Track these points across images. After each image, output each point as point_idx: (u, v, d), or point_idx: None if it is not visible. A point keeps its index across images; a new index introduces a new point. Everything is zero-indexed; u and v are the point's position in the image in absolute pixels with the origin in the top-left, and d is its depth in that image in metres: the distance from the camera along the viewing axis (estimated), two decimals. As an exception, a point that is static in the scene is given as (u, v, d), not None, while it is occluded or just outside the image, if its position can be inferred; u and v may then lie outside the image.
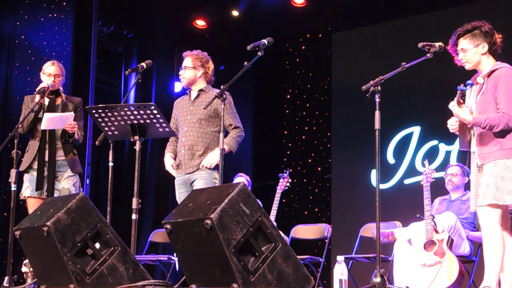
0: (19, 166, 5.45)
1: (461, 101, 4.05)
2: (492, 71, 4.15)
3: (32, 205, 5.41)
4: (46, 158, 5.46)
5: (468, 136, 4.24)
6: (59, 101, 5.62)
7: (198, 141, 5.21)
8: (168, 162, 5.36)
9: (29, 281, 5.19)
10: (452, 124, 4.26)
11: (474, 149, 4.19)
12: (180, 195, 5.25)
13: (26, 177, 5.50)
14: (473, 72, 4.33)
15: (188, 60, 5.38)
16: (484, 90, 4.15)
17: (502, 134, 4.07)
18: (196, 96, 5.36)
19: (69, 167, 5.50)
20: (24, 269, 5.37)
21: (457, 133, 4.29)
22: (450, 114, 4.22)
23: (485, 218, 4.06)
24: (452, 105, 4.07)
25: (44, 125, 5.37)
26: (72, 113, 5.45)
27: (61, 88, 5.68)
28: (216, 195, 3.62)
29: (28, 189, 5.48)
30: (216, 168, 5.13)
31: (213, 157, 5.13)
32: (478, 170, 4.14)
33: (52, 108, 5.55)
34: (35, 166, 5.46)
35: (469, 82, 4.10)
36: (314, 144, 9.42)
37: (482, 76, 4.19)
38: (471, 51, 4.20)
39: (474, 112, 4.15)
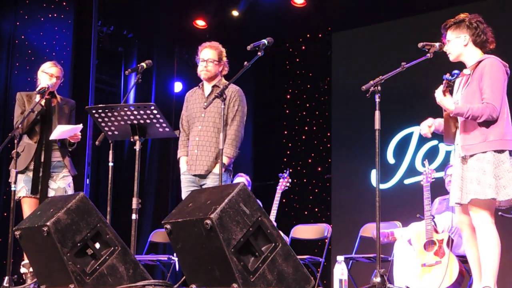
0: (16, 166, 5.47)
1: (447, 90, 4.06)
2: (479, 62, 4.16)
3: (27, 205, 5.43)
4: (42, 160, 5.46)
5: (453, 129, 4.24)
6: (55, 102, 5.62)
7: (213, 141, 5.10)
8: (183, 165, 5.24)
9: (28, 281, 5.18)
10: (422, 129, 4.31)
11: (458, 141, 4.19)
12: (187, 193, 5.02)
13: (20, 177, 5.47)
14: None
15: (213, 53, 5.23)
16: (470, 81, 4.15)
17: (486, 125, 4.05)
18: (210, 92, 5.22)
19: (67, 168, 5.52)
20: (22, 270, 5.37)
21: (429, 136, 4.33)
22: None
23: (476, 218, 4.07)
24: (437, 93, 4.09)
25: (54, 136, 5.36)
26: (81, 126, 5.44)
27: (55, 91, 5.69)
28: (216, 195, 3.62)
29: (23, 189, 5.47)
30: (226, 172, 5.07)
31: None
32: (462, 162, 4.13)
33: (49, 110, 5.55)
34: (31, 167, 5.46)
35: (455, 72, 4.09)
36: (314, 144, 9.41)
37: (469, 68, 4.20)
38: (452, 42, 4.25)
39: (460, 103, 4.16)
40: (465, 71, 4.19)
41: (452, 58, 4.30)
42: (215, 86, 5.22)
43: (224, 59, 5.28)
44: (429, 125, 4.33)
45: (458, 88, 4.27)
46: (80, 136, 5.45)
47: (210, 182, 5.07)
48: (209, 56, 5.22)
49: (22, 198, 5.48)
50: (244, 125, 5.21)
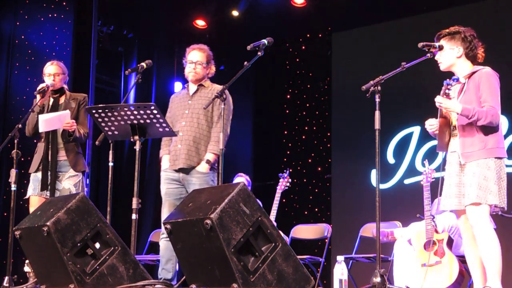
0: (24, 167, 5.48)
1: (448, 93, 4.09)
2: (473, 73, 4.22)
3: (34, 204, 5.42)
4: (49, 159, 5.46)
5: (446, 138, 4.28)
6: (62, 99, 5.62)
7: (197, 136, 5.13)
8: (165, 162, 5.25)
9: (31, 280, 5.18)
10: (431, 124, 4.32)
11: (455, 149, 4.22)
12: (168, 190, 5.13)
13: (31, 177, 5.53)
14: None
15: (201, 55, 5.27)
16: (465, 90, 4.23)
17: (486, 132, 4.12)
18: (196, 90, 5.28)
19: (70, 167, 5.49)
20: (26, 268, 5.37)
21: (435, 134, 4.33)
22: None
23: (475, 218, 4.09)
24: (439, 99, 4.10)
25: (41, 128, 5.35)
26: (68, 111, 5.43)
27: (65, 86, 5.68)
28: (216, 195, 3.63)
29: (30, 188, 5.50)
30: (212, 170, 5.11)
31: (205, 165, 5.09)
32: (460, 169, 4.18)
33: (55, 108, 5.55)
34: (40, 167, 5.48)
35: (455, 77, 4.18)
36: (314, 144, 9.41)
37: (463, 77, 4.25)
38: (445, 52, 4.29)
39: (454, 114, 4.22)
40: (461, 79, 4.23)
41: (443, 67, 4.36)
42: (201, 86, 5.28)
43: (212, 61, 5.32)
44: (432, 123, 4.32)
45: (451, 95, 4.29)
46: (73, 124, 5.40)
47: (196, 180, 5.07)
48: (197, 59, 5.27)
49: (30, 197, 5.50)
50: (230, 124, 5.23)
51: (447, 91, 4.09)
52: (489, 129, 4.11)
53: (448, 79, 4.10)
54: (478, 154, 4.10)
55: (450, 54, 4.29)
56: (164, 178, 5.20)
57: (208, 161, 5.05)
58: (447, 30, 4.33)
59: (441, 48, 4.30)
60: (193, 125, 5.15)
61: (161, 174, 5.24)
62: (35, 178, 5.49)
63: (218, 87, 5.19)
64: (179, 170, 5.13)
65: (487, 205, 4.06)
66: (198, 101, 5.20)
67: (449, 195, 4.22)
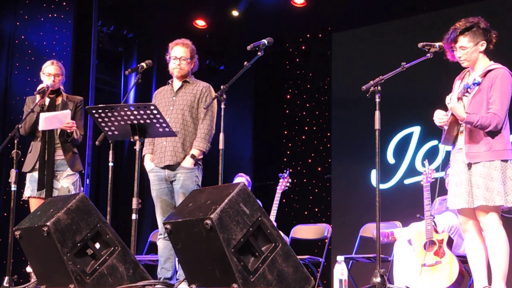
0: (22, 167, 5.48)
1: (466, 96, 4.05)
2: (488, 71, 4.16)
3: (34, 205, 5.42)
4: (46, 158, 5.46)
5: (454, 132, 4.23)
6: (59, 100, 5.62)
7: (182, 133, 5.10)
8: (149, 163, 5.20)
9: (32, 281, 5.18)
10: (440, 118, 4.22)
11: (461, 146, 4.20)
12: (159, 191, 5.10)
13: (27, 177, 5.51)
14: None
15: (185, 50, 5.29)
16: (480, 89, 4.16)
17: (491, 134, 4.10)
18: (180, 86, 5.28)
19: (68, 166, 5.49)
20: (29, 269, 5.36)
21: (444, 127, 4.27)
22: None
23: (486, 221, 4.09)
24: (449, 99, 4.07)
25: (41, 126, 5.35)
26: (68, 111, 5.43)
27: (62, 87, 5.68)
28: (216, 195, 3.63)
29: (28, 189, 5.49)
30: (197, 166, 5.11)
31: (190, 160, 5.07)
32: (466, 168, 4.15)
33: (52, 108, 5.55)
34: (37, 166, 5.47)
35: (476, 81, 4.05)
36: (314, 144, 9.42)
37: (479, 75, 4.19)
38: (471, 49, 4.20)
39: (466, 109, 4.16)
40: (477, 78, 4.16)
41: (467, 64, 4.26)
42: (186, 82, 5.28)
43: (196, 56, 5.33)
44: (444, 115, 4.24)
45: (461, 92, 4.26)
46: (73, 125, 5.40)
47: (180, 175, 5.05)
48: (182, 54, 5.29)
49: (29, 198, 5.49)
50: (215, 120, 5.21)
51: (466, 94, 4.05)
52: (495, 131, 4.09)
53: (468, 83, 4.03)
54: (484, 155, 4.08)
55: (475, 50, 4.20)
56: (153, 179, 5.17)
57: (193, 156, 5.04)
58: (463, 26, 4.20)
59: (441, 48, 4.28)
60: (178, 121, 5.12)
61: (149, 175, 5.20)
62: (32, 178, 5.49)
63: (203, 83, 5.25)
64: (165, 167, 5.11)
65: (495, 207, 4.06)
66: (183, 97, 5.20)
67: (457, 194, 4.18)
